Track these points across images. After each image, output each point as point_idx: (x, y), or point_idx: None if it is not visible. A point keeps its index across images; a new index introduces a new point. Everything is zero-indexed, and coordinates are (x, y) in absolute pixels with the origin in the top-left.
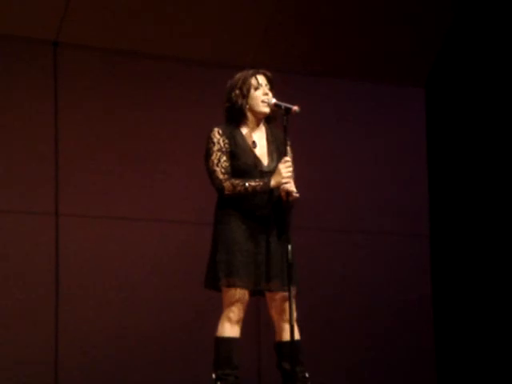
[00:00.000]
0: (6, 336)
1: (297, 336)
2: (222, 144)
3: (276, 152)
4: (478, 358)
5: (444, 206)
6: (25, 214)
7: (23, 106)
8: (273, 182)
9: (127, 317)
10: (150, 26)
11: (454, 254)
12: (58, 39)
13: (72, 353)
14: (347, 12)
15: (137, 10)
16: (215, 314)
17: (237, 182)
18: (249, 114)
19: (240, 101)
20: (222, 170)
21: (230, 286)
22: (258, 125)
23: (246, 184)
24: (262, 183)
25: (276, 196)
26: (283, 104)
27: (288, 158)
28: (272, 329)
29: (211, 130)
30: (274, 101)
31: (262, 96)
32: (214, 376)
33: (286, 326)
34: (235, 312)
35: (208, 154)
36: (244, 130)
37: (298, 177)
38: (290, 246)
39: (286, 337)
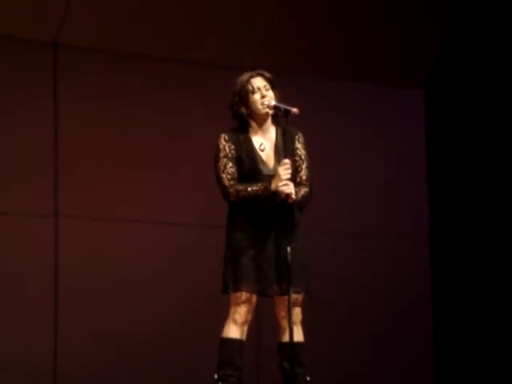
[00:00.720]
0: (5, 336)
1: (300, 338)
2: (227, 150)
3: (284, 154)
4: (477, 358)
5: (444, 207)
6: (24, 216)
7: (23, 107)
8: (273, 186)
9: (127, 318)
10: (150, 27)
11: (453, 255)
12: (58, 40)
13: (71, 353)
14: (347, 13)
15: (137, 10)
16: (215, 315)
17: (240, 187)
18: (252, 119)
19: (241, 108)
20: (228, 177)
21: (236, 290)
22: (263, 127)
23: (249, 189)
24: (263, 187)
25: (280, 199)
26: (282, 106)
27: (287, 161)
28: (272, 329)
29: (218, 137)
30: (273, 103)
31: (260, 99)
32: (215, 376)
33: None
34: (241, 314)
35: (215, 160)
36: (251, 135)
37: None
38: (289, 248)
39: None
